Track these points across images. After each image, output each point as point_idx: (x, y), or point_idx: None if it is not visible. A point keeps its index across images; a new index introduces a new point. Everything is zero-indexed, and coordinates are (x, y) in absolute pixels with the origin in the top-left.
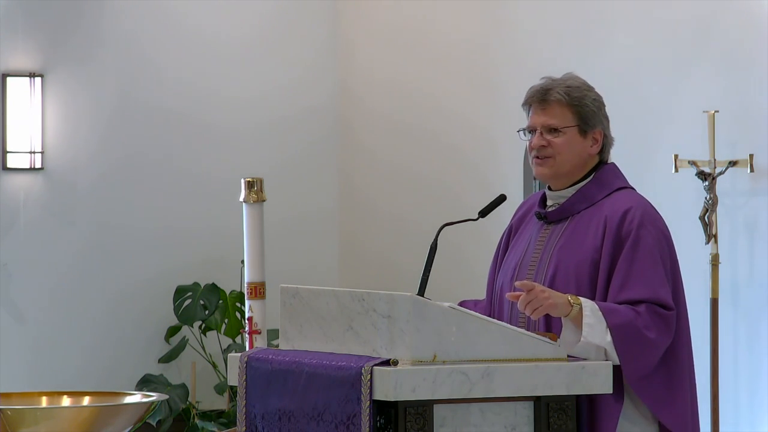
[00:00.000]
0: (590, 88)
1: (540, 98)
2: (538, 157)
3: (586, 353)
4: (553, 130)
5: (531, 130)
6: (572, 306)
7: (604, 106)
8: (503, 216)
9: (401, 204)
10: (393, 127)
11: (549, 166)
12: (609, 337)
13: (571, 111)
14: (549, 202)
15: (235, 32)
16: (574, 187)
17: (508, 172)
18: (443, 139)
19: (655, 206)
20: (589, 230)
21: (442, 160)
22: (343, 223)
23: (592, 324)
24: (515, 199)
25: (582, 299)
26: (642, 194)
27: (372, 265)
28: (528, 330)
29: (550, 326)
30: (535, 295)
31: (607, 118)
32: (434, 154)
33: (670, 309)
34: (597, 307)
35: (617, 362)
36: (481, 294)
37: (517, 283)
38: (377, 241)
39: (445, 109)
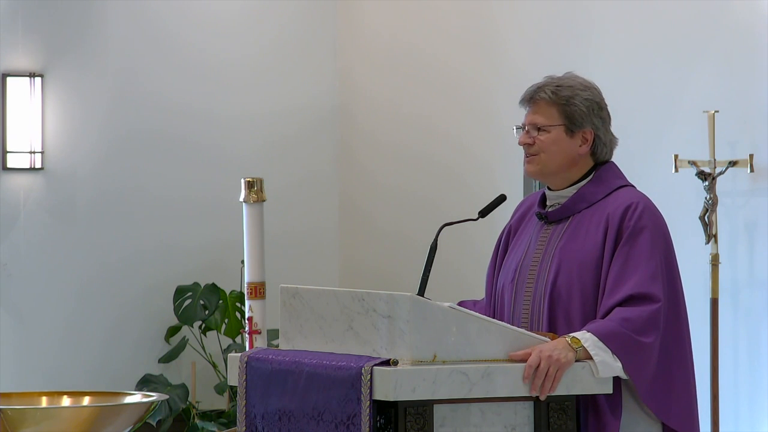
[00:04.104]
0: (586, 88)
1: (529, 97)
2: (526, 155)
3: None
4: (539, 129)
5: (522, 127)
6: (575, 350)
7: (600, 107)
8: (501, 219)
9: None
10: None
11: (535, 163)
12: (618, 363)
13: (557, 109)
14: (549, 202)
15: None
16: (574, 186)
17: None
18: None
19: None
20: (590, 229)
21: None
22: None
23: (604, 360)
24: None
25: (578, 335)
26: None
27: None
28: (531, 330)
29: (553, 326)
30: (546, 369)
31: (603, 118)
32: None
33: (657, 301)
34: (595, 337)
35: (625, 377)
36: (476, 295)
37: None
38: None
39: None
